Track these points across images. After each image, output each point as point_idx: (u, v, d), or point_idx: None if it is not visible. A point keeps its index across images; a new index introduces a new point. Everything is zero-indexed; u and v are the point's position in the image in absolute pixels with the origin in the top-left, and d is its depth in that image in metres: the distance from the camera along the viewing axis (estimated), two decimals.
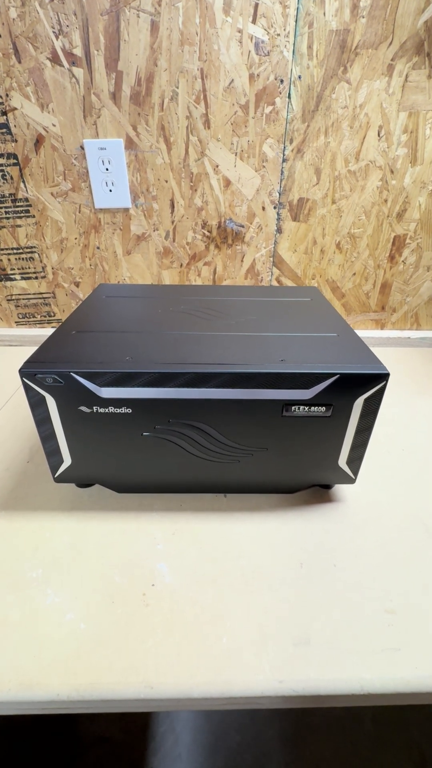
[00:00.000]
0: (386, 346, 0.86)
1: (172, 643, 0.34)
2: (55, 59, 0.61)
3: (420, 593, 0.38)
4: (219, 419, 0.39)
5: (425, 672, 0.32)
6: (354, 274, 0.79)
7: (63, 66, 0.61)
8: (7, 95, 0.63)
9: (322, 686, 0.31)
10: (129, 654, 0.33)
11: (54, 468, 0.43)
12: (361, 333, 0.86)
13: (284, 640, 0.34)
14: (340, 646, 0.34)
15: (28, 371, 0.36)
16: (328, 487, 0.49)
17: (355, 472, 0.44)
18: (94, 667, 0.32)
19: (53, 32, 0.59)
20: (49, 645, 0.33)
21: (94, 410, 0.38)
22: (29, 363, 0.37)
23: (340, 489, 0.49)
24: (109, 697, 0.31)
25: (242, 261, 0.78)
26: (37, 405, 0.38)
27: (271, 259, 0.78)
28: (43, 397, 0.38)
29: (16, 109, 0.64)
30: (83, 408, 0.38)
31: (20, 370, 0.36)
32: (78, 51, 0.60)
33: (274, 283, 0.81)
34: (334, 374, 0.37)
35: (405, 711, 0.97)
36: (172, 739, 0.93)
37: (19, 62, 0.61)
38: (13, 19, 0.58)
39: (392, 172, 0.69)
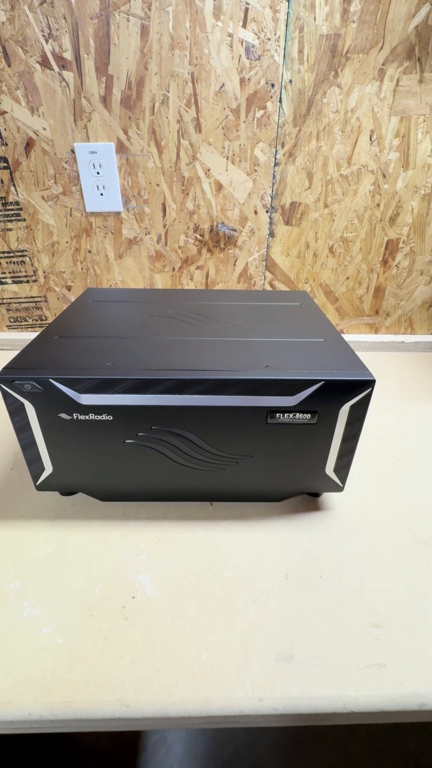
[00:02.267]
0: (380, 350, 0.85)
1: (151, 658, 0.33)
2: (45, 63, 0.60)
3: (407, 606, 0.37)
4: (202, 426, 0.39)
5: (410, 689, 0.31)
6: (347, 278, 0.79)
7: (53, 70, 0.61)
8: None
9: (304, 704, 0.30)
10: (105, 670, 0.32)
11: (35, 476, 0.42)
12: (354, 337, 0.85)
13: (267, 656, 0.33)
14: (324, 662, 0.33)
15: (5, 377, 0.35)
16: (316, 495, 0.48)
17: (343, 480, 0.43)
18: (69, 684, 0.31)
19: (43, 36, 0.59)
20: (24, 661, 0.32)
21: (74, 417, 0.37)
22: (7, 369, 0.36)
23: (329, 497, 0.48)
24: (83, 717, 0.29)
25: (235, 265, 0.77)
26: (16, 412, 0.37)
27: (264, 263, 0.77)
28: (22, 404, 0.37)
29: (6, 112, 0.64)
30: (63, 415, 0.37)
31: None
32: (68, 55, 0.60)
33: (267, 287, 0.80)
34: (318, 381, 0.36)
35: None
36: (164, 749, 0.91)
37: (9, 66, 0.61)
38: (2, 22, 0.58)
39: (384, 176, 0.69)
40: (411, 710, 0.30)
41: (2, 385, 0.36)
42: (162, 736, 0.93)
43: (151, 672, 0.32)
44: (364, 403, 0.37)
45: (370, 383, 0.36)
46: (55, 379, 0.35)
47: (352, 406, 0.37)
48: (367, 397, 0.37)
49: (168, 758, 0.89)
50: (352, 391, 0.36)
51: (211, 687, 0.31)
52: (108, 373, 0.36)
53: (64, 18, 0.57)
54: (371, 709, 0.30)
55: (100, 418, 0.37)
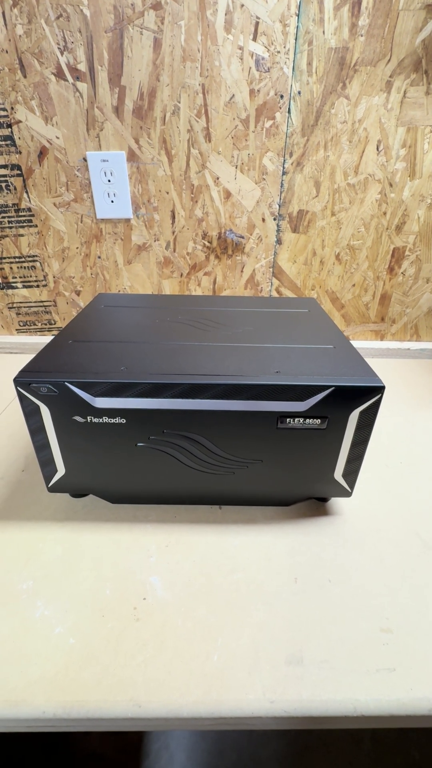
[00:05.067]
0: (386, 357, 0.86)
1: (163, 659, 0.33)
2: (59, 74, 0.62)
3: (415, 610, 0.37)
4: (214, 430, 0.39)
5: (420, 693, 0.31)
6: (353, 285, 0.80)
7: (67, 80, 0.62)
8: (12, 108, 0.64)
9: (315, 707, 0.30)
10: (118, 670, 0.32)
11: (48, 478, 0.43)
12: (360, 344, 0.86)
13: (277, 659, 0.33)
14: (334, 666, 0.33)
15: (22, 380, 0.36)
16: (324, 500, 0.48)
17: (351, 485, 0.44)
18: (81, 683, 0.31)
19: (58, 48, 0.60)
20: (37, 660, 0.33)
21: (88, 420, 0.38)
22: (24, 372, 0.37)
23: (337, 502, 0.49)
24: (96, 716, 0.30)
25: (242, 271, 0.78)
26: (31, 414, 0.38)
27: (271, 269, 0.78)
28: (38, 407, 0.38)
29: (20, 121, 0.65)
30: (77, 418, 0.38)
31: (15, 379, 0.36)
32: (82, 66, 0.61)
33: (274, 294, 0.81)
34: (329, 386, 0.36)
35: (405, 731, 0.94)
36: (167, 756, 0.90)
37: (25, 77, 0.62)
38: (20, 35, 0.59)
39: (391, 185, 0.70)
40: (421, 715, 0.31)
41: (19, 388, 0.37)
42: (164, 743, 0.93)
43: (163, 673, 0.32)
44: (374, 409, 0.38)
45: (379, 389, 0.37)
46: (71, 383, 0.36)
47: (361, 412, 0.38)
48: (377, 404, 0.37)
49: (170, 765, 0.89)
50: (362, 397, 0.37)
51: (223, 688, 0.31)
52: (122, 377, 0.37)
53: (80, 31, 0.59)
54: (381, 713, 0.31)
55: (113, 421, 0.38)
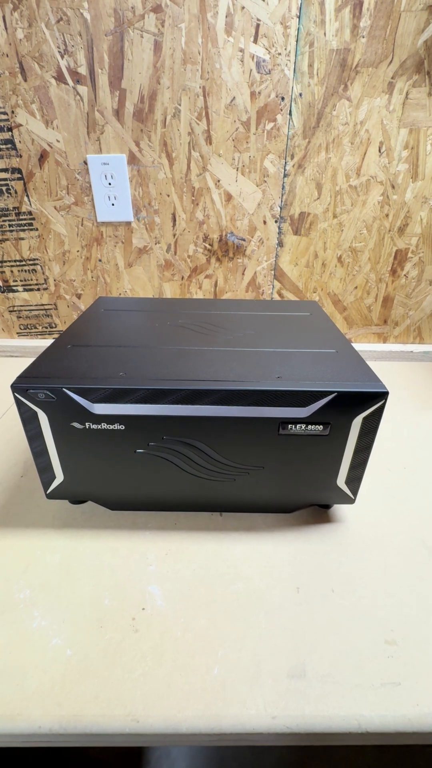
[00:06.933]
0: (388, 360, 0.85)
1: (162, 673, 0.32)
2: (60, 77, 0.62)
3: (421, 622, 0.36)
4: (214, 437, 0.38)
5: (427, 709, 0.30)
6: (355, 287, 0.79)
7: (68, 84, 0.62)
8: (12, 112, 0.64)
9: (318, 723, 0.30)
10: (116, 684, 0.31)
11: (46, 484, 0.42)
12: (363, 346, 0.85)
13: (279, 672, 0.32)
14: (338, 679, 0.32)
15: (20, 386, 0.36)
16: (326, 506, 0.47)
17: (355, 492, 0.43)
18: (79, 697, 0.31)
19: (59, 52, 0.60)
20: (34, 672, 0.32)
21: (87, 426, 0.37)
22: (21, 378, 0.37)
23: (340, 508, 0.48)
24: (93, 731, 0.29)
25: (243, 274, 0.78)
26: (29, 420, 0.38)
27: (273, 272, 0.78)
28: (35, 413, 0.37)
29: (21, 125, 0.65)
30: (75, 424, 0.37)
31: (12, 385, 0.36)
32: (83, 70, 0.61)
33: (276, 296, 0.80)
34: (331, 392, 0.36)
35: None
36: (167, 765, 0.89)
37: (25, 80, 0.62)
38: (20, 39, 0.59)
39: (393, 187, 0.69)
40: (427, 732, 0.30)
41: (16, 394, 0.36)
42: (165, 751, 0.92)
43: (162, 686, 0.31)
44: (377, 415, 0.37)
45: (383, 395, 0.36)
46: (69, 389, 0.36)
47: (364, 418, 0.37)
48: (380, 409, 0.37)
49: None
50: (365, 402, 0.36)
51: (223, 703, 0.30)
52: (121, 383, 0.36)
53: (80, 35, 0.59)
54: (387, 730, 0.30)
55: (112, 427, 0.37)
